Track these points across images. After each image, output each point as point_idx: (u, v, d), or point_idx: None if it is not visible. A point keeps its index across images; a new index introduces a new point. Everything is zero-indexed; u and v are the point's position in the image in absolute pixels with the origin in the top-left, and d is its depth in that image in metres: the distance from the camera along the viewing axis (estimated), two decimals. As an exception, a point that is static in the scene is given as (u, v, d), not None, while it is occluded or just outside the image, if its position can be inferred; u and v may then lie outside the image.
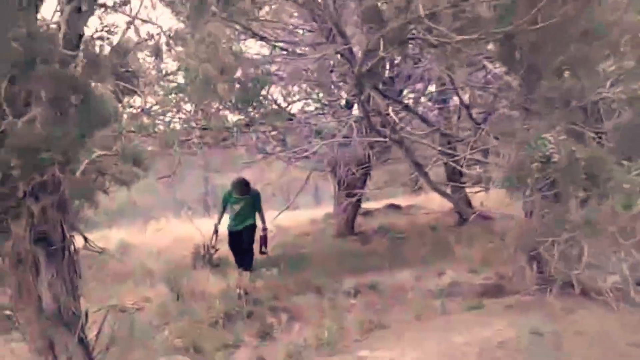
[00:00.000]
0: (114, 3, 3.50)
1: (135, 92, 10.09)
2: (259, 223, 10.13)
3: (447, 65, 5.23)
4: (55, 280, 4.73)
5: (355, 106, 10.47)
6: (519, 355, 5.62)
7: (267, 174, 17.55)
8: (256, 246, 10.16)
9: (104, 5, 3.36)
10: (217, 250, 10.17)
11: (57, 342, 4.68)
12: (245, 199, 9.88)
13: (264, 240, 10.10)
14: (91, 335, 5.16)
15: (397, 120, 5.87)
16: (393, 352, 5.88)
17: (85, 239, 7.74)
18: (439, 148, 7.76)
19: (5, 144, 2.65)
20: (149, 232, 15.56)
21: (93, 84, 2.93)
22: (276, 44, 10.82)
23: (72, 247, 5.06)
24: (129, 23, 5.03)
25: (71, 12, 2.71)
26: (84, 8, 2.81)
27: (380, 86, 6.84)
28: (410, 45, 5.42)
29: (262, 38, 10.18)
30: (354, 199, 12.31)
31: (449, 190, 9.27)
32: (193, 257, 10.47)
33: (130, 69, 4.48)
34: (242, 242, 9.96)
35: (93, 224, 19.86)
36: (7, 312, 4.73)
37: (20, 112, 2.60)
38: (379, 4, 4.41)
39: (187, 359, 6.25)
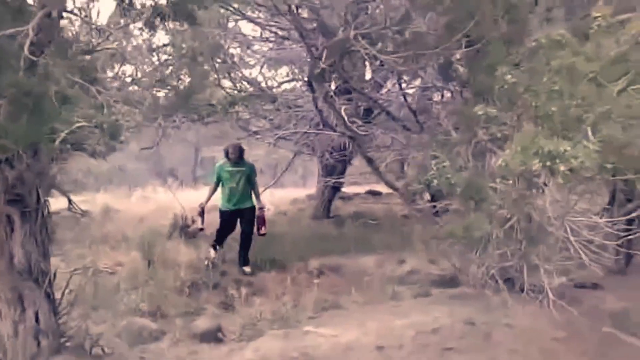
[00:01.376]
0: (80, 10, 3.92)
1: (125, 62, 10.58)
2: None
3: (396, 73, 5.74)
4: (27, 239, 5.25)
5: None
6: (450, 341, 6.15)
7: (254, 149, 18.09)
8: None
9: (71, 12, 3.78)
10: (202, 229, 9.63)
11: (26, 296, 5.22)
12: (241, 172, 9.08)
13: (261, 220, 9.33)
14: (59, 292, 5.70)
15: (345, 117, 6.36)
16: (336, 330, 6.43)
17: (70, 201, 8.34)
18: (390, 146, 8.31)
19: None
20: (133, 199, 16.12)
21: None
22: (266, 26, 11.22)
23: (46, 210, 5.57)
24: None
25: (42, 18, 3.15)
26: (53, 14, 3.23)
27: (334, 85, 7.34)
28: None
29: (252, 21, 10.61)
30: (332, 183, 12.80)
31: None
32: (170, 226, 11.03)
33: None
34: (234, 225, 9.34)
35: (82, 186, 20.42)
36: (-19, 264, 5.22)
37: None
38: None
39: (147, 322, 6.76)
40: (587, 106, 3.39)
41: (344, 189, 15.00)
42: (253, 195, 9.31)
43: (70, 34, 4.36)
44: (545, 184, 3.76)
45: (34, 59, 3.10)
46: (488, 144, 4.31)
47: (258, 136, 11.77)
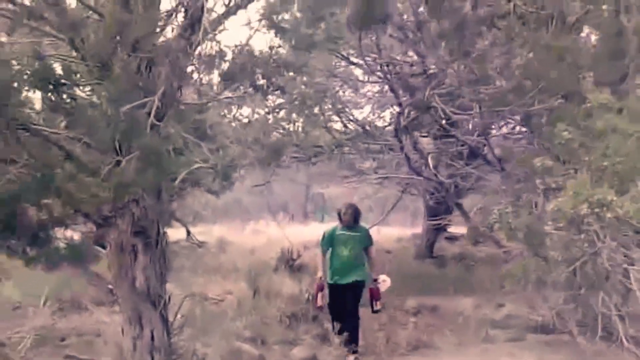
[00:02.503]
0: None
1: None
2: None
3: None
4: (148, 266, 6.07)
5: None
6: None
7: (363, 187, 18.67)
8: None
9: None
10: (321, 307, 8.18)
11: (144, 316, 6.02)
12: (354, 238, 7.66)
13: (375, 293, 7.86)
14: (172, 315, 6.48)
15: (429, 162, 6.77)
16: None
17: (189, 232, 9.34)
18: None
19: (109, 179, 3.91)
20: (246, 231, 17.19)
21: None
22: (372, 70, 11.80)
23: (165, 241, 6.40)
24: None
25: (166, 89, 3.85)
26: (175, 85, 3.92)
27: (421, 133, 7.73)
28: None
29: (358, 66, 11.25)
30: (436, 223, 13.01)
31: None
32: (277, 259, 11.77)
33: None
34: (346, 302, 7.72)
35: (200, 218, 21.97)
36: (110, 286, 6.10)
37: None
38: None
39: (249, 347, 7.40)
40: (633, 162, 3.57)
41: (451, 229, 15.10)
42: (367, 266, 7.94)
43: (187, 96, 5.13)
44: (596, 232, 3.92)
45: (158, 123, 3.83)
46: (543, 192, 4.54)
47: (365, 176, 12.29)
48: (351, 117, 12.37)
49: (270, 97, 11.61)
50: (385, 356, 7.47)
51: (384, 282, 7.96)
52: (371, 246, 7.89)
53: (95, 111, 3.77)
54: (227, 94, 5.57)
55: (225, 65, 4.85)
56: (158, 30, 3.99)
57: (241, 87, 4.97)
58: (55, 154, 4.48)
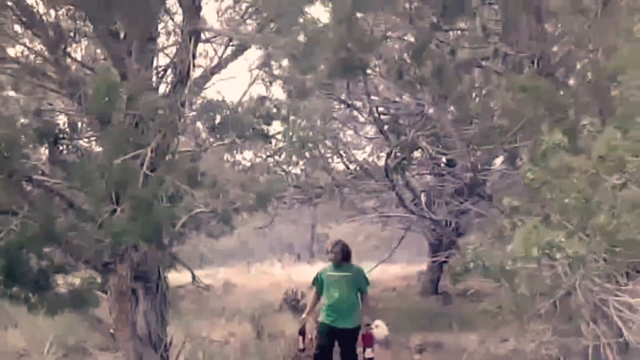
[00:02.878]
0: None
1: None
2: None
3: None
4: (148, 310, 6.24)
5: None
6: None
7: (367, 226, 18.86)
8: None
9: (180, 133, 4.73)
10: (303, 350, 7.50)
11: (145, 358, 6.15)
12: (344, 278, 6.91)
13: (367, 340, 7.05)
14: (173, 358, 6.61)
15: (422, 200, 6.96)
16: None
17: (193, 276, 9.49)
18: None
19: (104, 228, 4.12)
20: (252, 273, 17.31)
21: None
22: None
23: (165, 285, 6.57)
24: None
25: (158, 140, 4.10)
26: (168, 137, 4.16)
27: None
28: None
29: (356, 108, 11.57)
30: (439, 260, 13.10)
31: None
32: (281, 300, 11.88)
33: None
34: (332, 344, 7.10)
35: (207, 261, 22.08)
36: (111, 330, 6.25)
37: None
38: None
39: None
40: (584, 199, 3.76)
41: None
42: (360, 309, 7.08)
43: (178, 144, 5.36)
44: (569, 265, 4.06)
45: (150, 174, 4.04)
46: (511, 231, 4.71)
47: (366, 215, 12.48)
48: (352, 158, 12.64)
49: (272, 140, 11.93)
50: (388, 395, 7.45)
51: (378, 327, 7.08)
52: (365, 289, 6.98)
53: (91, 163, 4.00)
54: (218, 142, 5.79)
55: (217, 118, 5.09)
56: (150, 87, 4.25)
57: (233, 136, 5.18)
58: (57, 204, 4.70)
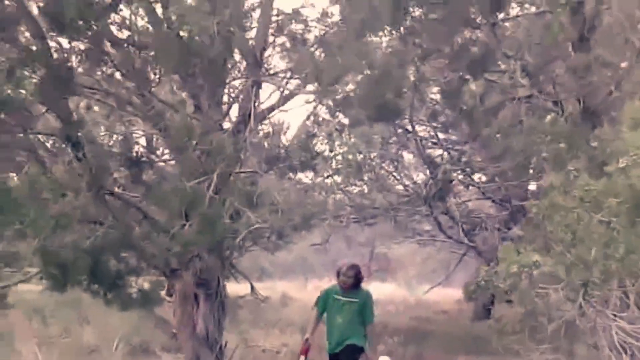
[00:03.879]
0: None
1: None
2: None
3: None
4: (207, 314, 7.00)
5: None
6: None
7: (426, 248, 19.24)
8: None
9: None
10: None
11: (202, 358, 6.89)
12: (352, 305, 6.17)
13: None
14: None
15: (462, 228, 7.45)
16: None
17: (252, 287, 10.27)
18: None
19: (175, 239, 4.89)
20: (309, 288, 17.98)
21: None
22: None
23: (224, 292, 7.32)
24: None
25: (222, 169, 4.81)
26: (230, 169, 4.88)
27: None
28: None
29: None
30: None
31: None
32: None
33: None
34: None
35: (268, 274, 22.90)
36: (174, 330, 7.03)
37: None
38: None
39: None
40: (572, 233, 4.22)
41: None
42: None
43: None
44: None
45: (215, 196, 4.77)
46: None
47: (418, 238, 12.91)
48: (409, 181, 13.10)
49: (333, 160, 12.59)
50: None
51: None
52: (371, 318, 6.14)
53: (167, 184, 4.80)
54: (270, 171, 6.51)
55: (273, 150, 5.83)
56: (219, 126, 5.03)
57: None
58: (134, 215, 5.52)
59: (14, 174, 4.50)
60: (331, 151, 11.70)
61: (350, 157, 11.52)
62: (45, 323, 10.90)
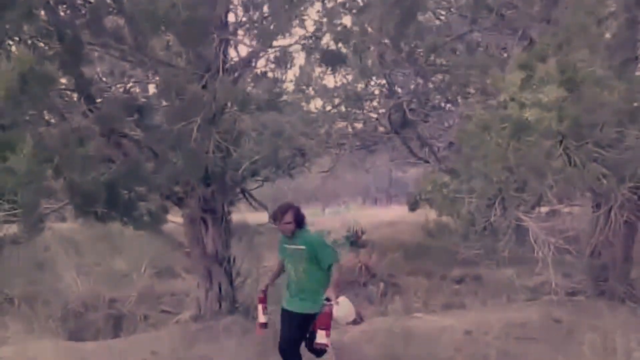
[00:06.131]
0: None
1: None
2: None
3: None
4: (216, 235, 8.34)
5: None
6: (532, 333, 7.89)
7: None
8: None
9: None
10: (264, 325, 5.99)
11: (214, 273, 8.30)
12: (296, 253, 5.67)
13: (323, 320, 5.18)
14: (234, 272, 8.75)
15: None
16: (440, 319, 8.53)
17: (269, 214, 11.68)
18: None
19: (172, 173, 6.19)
20: (326, 214, 19.41)
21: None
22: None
23: (229, 216, 8.64)
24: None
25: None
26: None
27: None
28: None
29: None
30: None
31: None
32: (343, 237, 13.90)
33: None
34: (286, 330, 5.70)
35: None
36: (186, 250, 8.38)
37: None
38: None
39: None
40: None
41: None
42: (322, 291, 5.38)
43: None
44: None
45: (197, 134, 5.98)
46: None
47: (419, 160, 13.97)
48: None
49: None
50: (414, 311, 9.30)
51: (339, 305, 5.28)
52: (326, 263, 5.49)
53: (162, 127, 6.06)
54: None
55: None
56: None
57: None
58: (145, 155, 6.81)
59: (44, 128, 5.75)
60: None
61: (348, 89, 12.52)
62: (82, 255, 12.56)
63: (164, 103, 6.37)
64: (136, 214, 5.81)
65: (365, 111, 12.64)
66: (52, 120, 6.04)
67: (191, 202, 7.66)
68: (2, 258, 14.01)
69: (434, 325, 8.24)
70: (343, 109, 13.03)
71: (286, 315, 5.72)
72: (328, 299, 5.17)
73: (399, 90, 9.26)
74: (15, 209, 4.60)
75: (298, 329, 5.59)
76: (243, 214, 15.44)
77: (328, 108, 12.94)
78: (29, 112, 4.50)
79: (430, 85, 8.34)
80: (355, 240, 13.48)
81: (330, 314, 5.16)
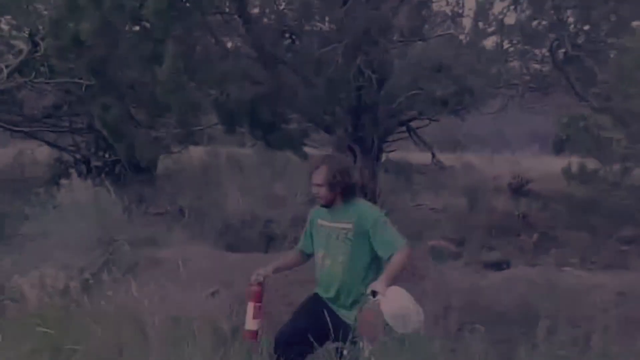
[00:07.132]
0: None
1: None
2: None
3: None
4: (363, 165, 8.49)
5: None
6: None
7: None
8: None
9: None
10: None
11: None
12: (342, 232, 3.85)
13: (366, 318, 3.58)
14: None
15: None
16: (591, 276, 8.03)
17: (433, 155, 11.88)
18: None
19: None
20: (495, 161, 18.88)
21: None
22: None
23: (378, 149, 8.74)
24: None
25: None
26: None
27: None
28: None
29: None
30: None
31: None
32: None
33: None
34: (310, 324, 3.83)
35: (462, 146, 23.91)
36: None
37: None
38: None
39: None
40: None
41: None
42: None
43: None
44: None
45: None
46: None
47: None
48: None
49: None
50: (565, 266, 8.85)
51: (389, 299, 3.51)
52: (392, 251, 3.72)
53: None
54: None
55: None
56: None
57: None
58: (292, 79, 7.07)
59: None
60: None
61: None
62: (247, 177, 13.48)
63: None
64: (278, 134, 6.10)
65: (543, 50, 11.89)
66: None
67: (339, 131, 7.86)
68: (177, 174, 15.54)
69: (584, 281, 7.77)
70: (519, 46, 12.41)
71: (320, 304, 3.97)
72: (374, 293, 3.53)
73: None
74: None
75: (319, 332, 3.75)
76: (408, 153, 15.57)
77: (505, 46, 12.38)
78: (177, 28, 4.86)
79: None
80: (517, 189, 13.04)
81: (371, 314, 3.50)
